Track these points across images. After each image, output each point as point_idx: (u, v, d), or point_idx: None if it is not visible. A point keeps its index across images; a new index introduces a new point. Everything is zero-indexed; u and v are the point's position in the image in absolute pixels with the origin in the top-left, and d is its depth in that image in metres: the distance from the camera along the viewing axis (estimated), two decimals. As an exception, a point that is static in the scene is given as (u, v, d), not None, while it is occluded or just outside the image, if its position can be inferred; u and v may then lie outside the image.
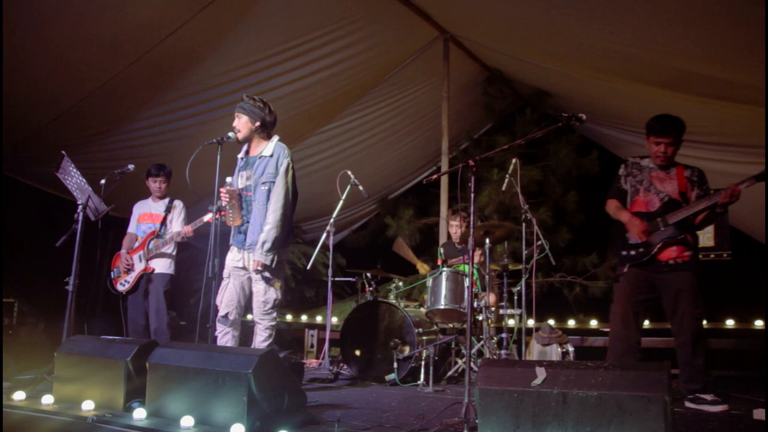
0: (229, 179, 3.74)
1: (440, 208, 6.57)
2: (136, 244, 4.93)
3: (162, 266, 4.83)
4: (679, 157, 3.76)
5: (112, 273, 4.96)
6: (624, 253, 3.67)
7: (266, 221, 3.70)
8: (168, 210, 4.96)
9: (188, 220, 4.91)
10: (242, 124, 3.82)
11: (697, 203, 3.53)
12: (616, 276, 3.71)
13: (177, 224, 4.92)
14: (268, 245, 3.66)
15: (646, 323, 6.36)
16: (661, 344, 5.86)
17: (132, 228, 5.07)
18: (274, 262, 3.72)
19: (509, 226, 4.94)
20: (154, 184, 4.97)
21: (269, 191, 3.76)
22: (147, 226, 4.96)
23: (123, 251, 4.93)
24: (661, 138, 3.59)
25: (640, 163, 3.81)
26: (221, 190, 3.67)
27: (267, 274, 3.71)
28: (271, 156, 3.83)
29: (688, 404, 3.44)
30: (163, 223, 4.91)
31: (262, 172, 3.81)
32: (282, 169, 3.79)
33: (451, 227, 5.60)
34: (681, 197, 3.60)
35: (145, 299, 4.79)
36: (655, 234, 3.57)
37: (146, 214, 5.01)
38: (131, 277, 4.82)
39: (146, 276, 4.80)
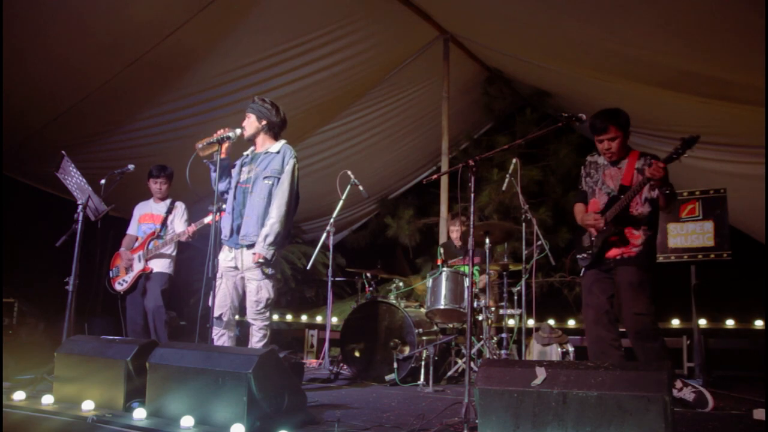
0: (231, 133, 3.65)
1: (440, 208, 6.57)
2: (136, 244, 4.93)
3: (161, 266, 4.83)
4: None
5: (110, 272, 4.96)
6: (579, 256, 3.66)
7: (270, 216, 3.70)
8: (169, 211, 4.96)
9: (190, 220, 4.91)
10: (249, 123, 3.86)
11: (627, 195, 3.43)
12: (582, 281, 3.69)
13: (179, 225, 4.93)
14: (270, 239, 3.65)
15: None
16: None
17: (132, 229, 5.07)
18: (274, 258, 3.72)
19: (509, 225, 4.94)
20: (155, 186, 4.97)
21: (272, 186, 3.75)
22: (147, 226, 4.96)
23: (123, 249, 4.94)
24: (602, 135, 3.52)
25: (597, 161, 3.74)
26: (217, 134, 3.63)
27: (268, 269, 3.71)
28: (278, 153, 3.85)
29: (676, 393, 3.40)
30: (164, 223, 4.91)
31: (266, 166, 3.80)
32: (288, 168, 3.80)
33: (452, 232, 5.60)
34: (621, 192, 3.50)
35: (143, 298, 4.79)
36: (600, 233, 3.54)
37: (147, 214, 5.02)
38: (129, 277, 4.82)
39: (144, 276, 4.80)
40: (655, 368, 2.08)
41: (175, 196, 5.10)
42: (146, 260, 4.81)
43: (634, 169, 3.52)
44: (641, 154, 3.58)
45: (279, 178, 3.77)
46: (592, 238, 3.60)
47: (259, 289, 3.72)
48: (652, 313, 3.36)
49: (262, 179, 3.77)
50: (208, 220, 4.36)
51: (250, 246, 3.71)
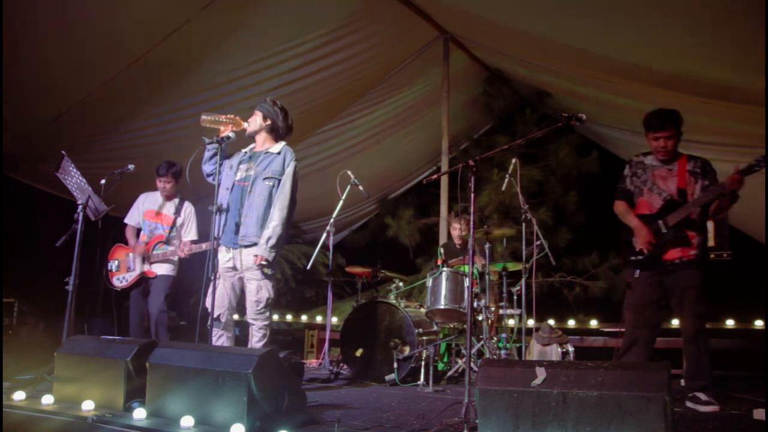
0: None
1: (440, 208, 6.57)
2: (140, 241, 4.81)
3: (165, 269, 4.75)
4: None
5: (109, 264, 4.83)
6: (632, 258, 3.63)
7: (272, 218, 3.70)
8: (177, 212, 4.84)
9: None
10: (254, 119, 3.89)
11: (696, 201, 3.49)
12: (627, 283, 3.68)
13: (190, 230, 4.84)
14: (273, 241, 3.66)
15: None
16: (662, 344, 5.84)
17: (133, 220, 4.91)
18: (275, 260, 3.72)
19: (506, 229, 4.94)
20: (160, 184, 4.84)
21: (272, 188, 3.76)
22: (153, 225, 4.82)
23: (130, 245, 4.82)
24: (659, 133, 3.56)
25: (644, 161, 3.75)
26: (228, 116, 3.68)
27: (268, 270, 3.71)
28: (278, 154, 3.86)
29: (688, 404, 3.44)
30: (173, 226, 4.79)
31: (266, 167, 3.80)
32: (289, 170, 3.82)
33: (454, 230, 5.59)
34: (681, 195, 3.55)
35: (145, 299, 4.75)
36: (658, 237, 3.55)
37: (153, 211, 4.87)
38: (130, 276, 4.74)
39: (146, 278, 4.74)
40: (654, 368, 2.08)
41: (180, 193, 5.00)
42: (150, 263, 4.74)
43: (687, 172, 3.58)
44: (689, 157, 3.64)
45: (280, 180, 3.78)
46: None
47: (259, 289, 3.72)
48: (707, 318, 3.54)
49: (262, 179, 3.76)
50: (205, 245, 4.32)
51: (250, 246, 3.71)
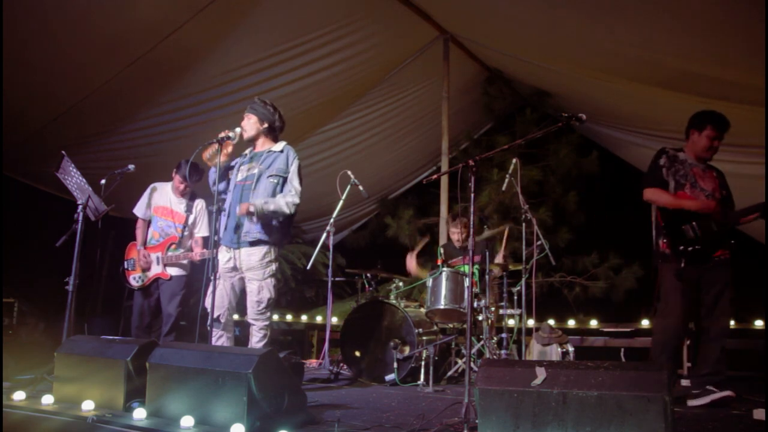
0: (232, 133, 3.71)
1: (440, 208, 6.57)
2: (153, 242, 4.73)
3: (178, 270, 4.69)
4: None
5: (125, 263, 4.79)
6: (681, 248, 3.46)
7: (282, 196, 3.73)
8: (189, 209, 4.77)
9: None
10: (251, 123, 3.86)
11: (749, 209, 3.45)
12: (677, 272, 3.44)
13: (202, 228, 4.78)
14: (270, 207, 3.65)
15: (645, 323, 6.37)
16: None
17: (143, 212, 4.81)
18: (256, 219, 3.66)
19: (502, 228, 4.95)
20: (181, 186, 4.75)
21: (276, 185, 3.76)
22: (166, 224, 4.74)
23: (140, 246, 4.75)
24: (720, 133, 3.55)
25: (678, 156, 3.67)
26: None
27: (253, 220, 3.67)
28: (281, 152, 3.86)
29: (691, 402, 3.42)
30: (185, 225, 4.73)
31: (270, 164, 3.80)
32: (294, 168, 3.83)
33: (452, 233, 5.59)
34: (721, 197, 3.56)
35: (157, 299, 4.70)
36: (711, 234, 3.47)
37: (166, 208, 4.78)
38: (146, 277, 4.69)
39: (161, 279, 4.68)
40: (655, 368, 2.08)
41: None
42: (165, 265, 4.66)
43: (714, 176, 3.65)
44: (711, 165, 3.72)
45: (285, 178, 3.79)
46: (698, 231, 3.47)
47: (261, 289, 3.71)
48: None
49: (266, 177, 3.76)
50: (207, 253, 4.30)
51: (254, 243, 3.69)
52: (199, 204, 4.84)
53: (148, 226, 4.82)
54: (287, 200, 3.71)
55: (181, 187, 4.76)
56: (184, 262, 4.68)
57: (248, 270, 3.70)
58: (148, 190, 4.87)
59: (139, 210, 4.85)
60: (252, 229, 3.69)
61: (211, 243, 3.43)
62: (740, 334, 6.12)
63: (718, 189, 3.60)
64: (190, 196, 4.84)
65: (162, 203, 4.79)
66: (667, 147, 3.72)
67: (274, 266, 3.78)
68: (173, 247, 4.69)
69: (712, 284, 3.49)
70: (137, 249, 4.78)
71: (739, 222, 3.54)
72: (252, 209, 3.60)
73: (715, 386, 3.42)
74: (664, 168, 3.64)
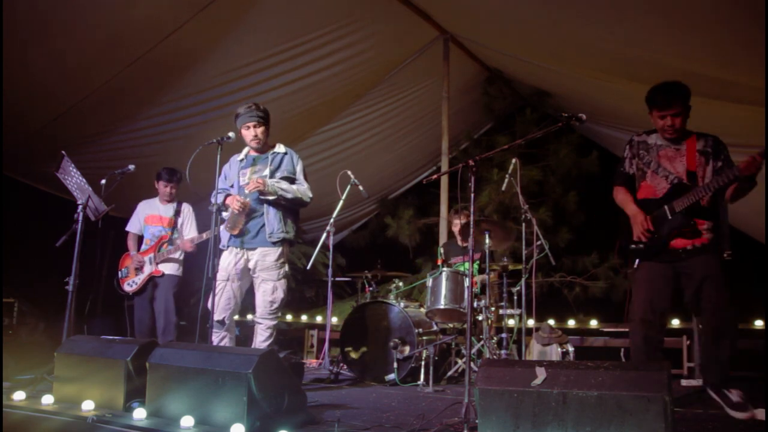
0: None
1: (440, 208, 6.57)
2: (146, 247, 4.96)
3: (171, 269, 4.89)
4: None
5: (119, 273, 4.99)
6: (633, 247, 3.33)
7: (297, 184, 3.86)
8: (177, 213, 4.98)
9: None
10: (261, 132, 3.92)
11: (707, 185, 3.15)
12: (627, 274, 3.47)
13: (191, 229, 4.97)
14: (282, 185, 3.77)
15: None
16: (661, 344, 5.84)
17: (135, 227, 5.07)
18: (268, 194, 3.74)
19: (509, 226, 4.93)
20: (165, 189, 5.00)
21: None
22: (156, 229, 4.97)
23: (133, 252, 4.98)
24: (666, 110, 3.21)
25: (647, 140, 3.40)
26: (237, 197, 3.71)
27: (264, 198, 3.75)
28: (285, 153, 3.98)
29: (710, 392, 3.19)
30: (174, 227, 4.93)
31: (279, 165, 3.92)
32: (300, 167, 3.98)
33: (455, 225, 5.57)
34: (690, 178, 3.23)
35: (153, 300, 4.84)
36: (664, 223, 3.24)
37: (154, 216, 5.02)
38: (140, 279, 4.87)
39: (153, 279, 4.84)
40: (655, 368, 2.08)
41: (178, 197, 5.10)
42: (157, 263, 4.86)
43: (696, 152, 3.21)
44: (699, 135, 3.30)
45: (293, 179, 3.91)
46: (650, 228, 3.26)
47: (275, 290, 3.77)
48: (733, 307, 3.13)
49: (279, 177, 3.85)
50: (206, 235, 4.44)
51: (278, 242, 3.78)
52: (186, 208, 5.06)
53: (141, 239, 5.06)
54: (300, 189, 3.86)
55: (167, 191, 5.00)
56: (179, 257, 4.86)
57: (262, 270, 3.76)
58: (138, 207, 5.15)
59: (132, 226, 5.11)
60: (275, 229, 3.73)
61: (211, 243, 3.42)
62: (740, 334, 6.10)
63: (686, 169, 3.22)
64: (177, 203, 5.06)
65: (151, 212, 5.05)
66: (638, 133, 3.48)
67: (287, 266, 3.86)
68: (165, 246, 4.87)
69: (689, 278, 3.18)
70: (130, 254, 5.00)
71: (713, 192, 3.16)
72: (260, 183, 3.68)
73: (726, 388, 3.11)
74: (626, 159, 3.48)
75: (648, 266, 3.31)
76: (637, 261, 3.35)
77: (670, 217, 3.25)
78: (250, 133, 3.89)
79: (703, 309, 3.15)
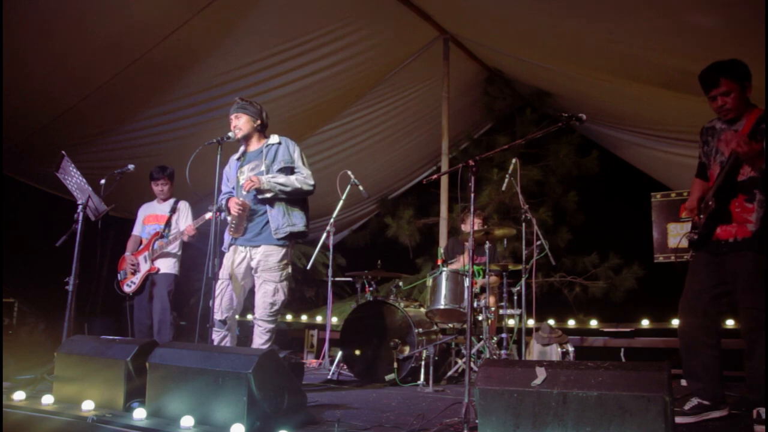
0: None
1: (440, 208, 6.57)
2: (141, 246, 4.97)
3: (167, 266, 4.87)
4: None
5: (118, 275, 5.01)
6: (688, 237, 3.14)
7: (294, 177, 3.78)
8: (173, 211, 4.99)
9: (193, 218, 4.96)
10: (243, 122, 3.86)
11: (725, 165, 2.93)
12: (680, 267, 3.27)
13: (183, 224, 4.95)
14: (279, 179, 3.71)
15: (645, 323, 6.35)
16: (661, 344, 5.85)
17: (137, 230, 5.11)
18: (265, 192, 3.71)
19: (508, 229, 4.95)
20: (157, 188, 5.01)
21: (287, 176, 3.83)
22: (152, 227, 4.99)
23: (127, 254, 4.98)
24: (712, 90, 2.99)
25: (715, 126, 3.15)
26: (235, 200, 3.70)
27: (258, 195, 3.73)
28: (279, 143, 3.90)
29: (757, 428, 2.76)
30: (167, 223, 4.94)
31: (274, 157, 3.85)
32: (297, 155, 3.89)
33: (466, 225, 5.53)
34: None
35: (150, 299, 4.83)
36: (707, 212, 3.03)
37: (151, 215, 5.05)
38: (137, 278, 4.87)
39: (151, 276, 4.84)
40: (655, 368, 2.08)
41: (177, 196, 5.11)
42: (152, 260, 4.85)
43: (749, 129, 2.91)
44: (763, 112, 2.96)
45: (291, 168, 3.84)
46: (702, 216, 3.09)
47: (276, 291, 3.71)
48: None
49: (276, 170, 3.79)
50: (208, 215, 4.37)
51: (283, 239, 3.73)
52: (183, 205, 5.06)
53: (140, 241, 5.05)
54: (299, 179, 3.78)
55: (159, 188, 5.01)
56: (172, 249, 4.86)
57: (264, 271, 3.70)
58: (138, 212, 5.18)
59: (135, 229, 5.15)
60: (280, 224, 3.71)
61: (211, 244, 3.42)
62: (740, 334, 6.10)
63: (738, 144, 2.86)
64: (174, 201, 5.06)
65: (149, 213, 5.08)
66: (708, 121, 3.24)
67: (290, 268, 3.81)
68: (159, 242, 4.87)
69: (734, 276, 2.94)
70: (125, 256, 5.01)
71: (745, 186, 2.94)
72: (255, 181, 3.65)
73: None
74: (700, 150, 3.24)
75: (698, 258, 3.13)
76: (690, 251, 3.19)
77: (710, 204, 3.03)
78: (232, 124, 3.87)
79: (739, 310, 2.95)
